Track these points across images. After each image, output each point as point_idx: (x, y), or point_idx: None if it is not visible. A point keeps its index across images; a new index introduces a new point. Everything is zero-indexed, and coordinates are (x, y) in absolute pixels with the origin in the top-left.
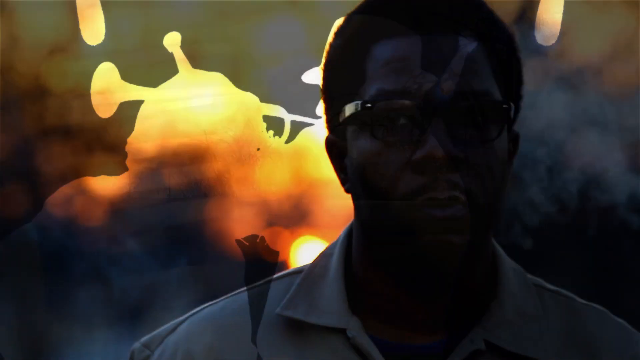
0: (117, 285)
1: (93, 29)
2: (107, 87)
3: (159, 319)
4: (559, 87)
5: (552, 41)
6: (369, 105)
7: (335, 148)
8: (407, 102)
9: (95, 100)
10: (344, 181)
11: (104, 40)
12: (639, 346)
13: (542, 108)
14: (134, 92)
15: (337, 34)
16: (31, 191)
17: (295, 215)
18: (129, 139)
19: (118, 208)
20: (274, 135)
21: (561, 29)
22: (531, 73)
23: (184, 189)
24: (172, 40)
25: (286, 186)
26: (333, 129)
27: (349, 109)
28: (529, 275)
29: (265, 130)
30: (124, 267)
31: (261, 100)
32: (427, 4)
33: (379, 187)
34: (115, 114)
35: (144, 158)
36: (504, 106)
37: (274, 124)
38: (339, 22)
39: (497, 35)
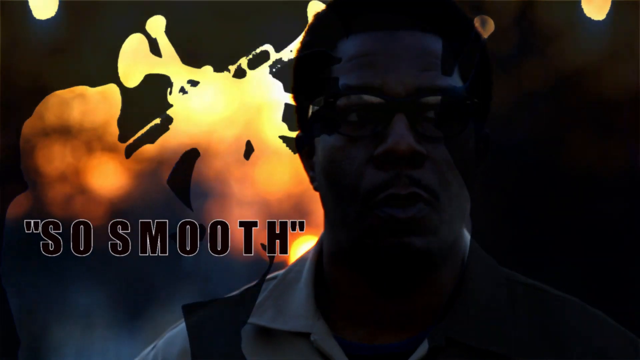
0: (117, 285)
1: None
2: (135, 57)
3: (158, 319)
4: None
5: (603, 14)
6: (332, 100)
7: (304, 146)
8: (369, 97)
9: (121, 69)
10: (312, 179)
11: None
12: (608, 338)
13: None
14: (161, 65)
15: (306, 32)
16: (31, 191)
17: (295, 215)
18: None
19: (118, 208)
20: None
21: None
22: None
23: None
24: (156, 25)
25: (286, 186)
26: (302, 126)
27: (314, 106)
28: (505, 270)
29: (281, 118)
30: (124, 267)
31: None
32: (393, 1)
33: (343, 184)
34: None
35: (144, 158)
36: (467, 102)
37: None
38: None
39: (464, 33)
